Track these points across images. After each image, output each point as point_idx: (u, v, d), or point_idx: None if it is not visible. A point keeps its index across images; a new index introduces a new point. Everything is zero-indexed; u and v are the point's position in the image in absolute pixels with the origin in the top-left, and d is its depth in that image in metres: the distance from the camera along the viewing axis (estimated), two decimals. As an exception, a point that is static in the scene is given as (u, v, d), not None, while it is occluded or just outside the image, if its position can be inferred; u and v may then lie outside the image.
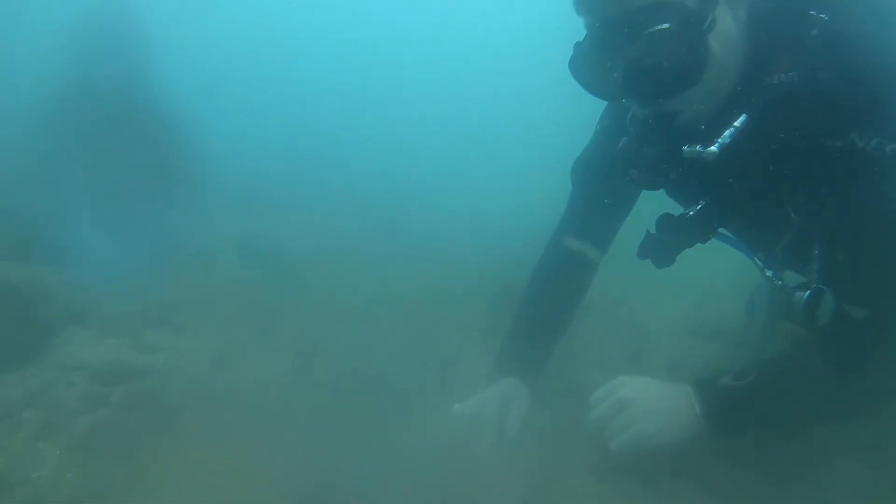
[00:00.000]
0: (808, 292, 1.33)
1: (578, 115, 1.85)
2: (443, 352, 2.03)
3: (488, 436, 1.60)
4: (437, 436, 1.57)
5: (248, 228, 2.97)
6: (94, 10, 4.61)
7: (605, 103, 1.75)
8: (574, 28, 1.42)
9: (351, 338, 2.06)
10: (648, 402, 1.46)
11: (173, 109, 4.21)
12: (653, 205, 1.64)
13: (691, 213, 1.38)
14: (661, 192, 1.59)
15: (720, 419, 1.43)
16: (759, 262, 1.53)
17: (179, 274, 2.56)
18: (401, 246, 2.72)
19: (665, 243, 1.43)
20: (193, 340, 2.20)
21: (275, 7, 9.66)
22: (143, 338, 2.22)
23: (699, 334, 2.38)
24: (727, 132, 1.28)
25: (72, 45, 4.21)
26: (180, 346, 2.18)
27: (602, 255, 1.93)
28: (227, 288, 2.48)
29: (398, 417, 1.65)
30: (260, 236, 2.87)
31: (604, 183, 1.77)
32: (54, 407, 1.81)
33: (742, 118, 1.28)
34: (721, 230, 1.46)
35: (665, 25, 1.22)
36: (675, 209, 1.58)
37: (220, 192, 3.39)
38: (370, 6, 10.53)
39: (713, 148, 1.26)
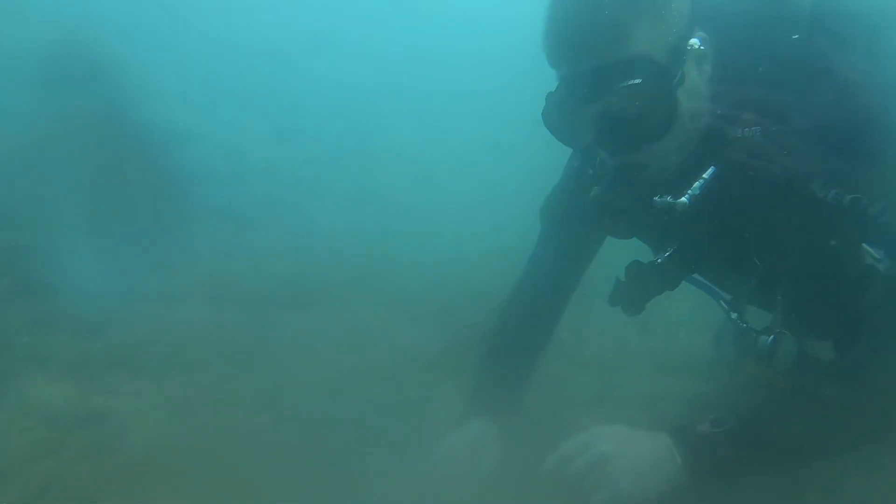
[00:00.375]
0: (772, 337, 1.36)
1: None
2: (412, 393, 2.01)
3: (460, 480, 1.57)
4: (408, 481, 1.54)
5: (218, 267, 2.92)
6: (66, 37, 4.56)
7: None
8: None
9: (320, 381, 2.02)
10: (627, 456, 1.41)
11: (156, 138, 4.15)
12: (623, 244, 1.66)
13: (659, 260, 1.40)
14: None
15: (702, 468, 1.39)
16: (725, 305, 1.56)
17: (144, 314, 2.49)
18: (371, 285, 2.69)
19: (634, 291, 1.44)
20: (156, 384, 2.12)
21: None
22: (103, 381, 2.13)
23: (667, 369, 2.40)
24: (697, 184, 1.32)
25: (45, 73, 4.14)
26: (142, 389, 2.10)
27: (571, 293, 1.95)
28: (194, 330, 2.41)
29: (371, 463, 1.61)
30: (229, 275, 2.81)
31: (573, 224, 1.80)
32: (5, 454, 1.73)
33: (710, 170, 1.33)
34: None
35: (637, 80, 1.26)
36: (644, 250, 1.61)
37: (191, 226, 3.30)
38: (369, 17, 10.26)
39: (683, 199, 1.31)
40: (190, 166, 3.99)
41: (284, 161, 4.39)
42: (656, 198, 1.33)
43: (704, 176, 1.32)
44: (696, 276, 1.58)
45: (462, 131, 5.40)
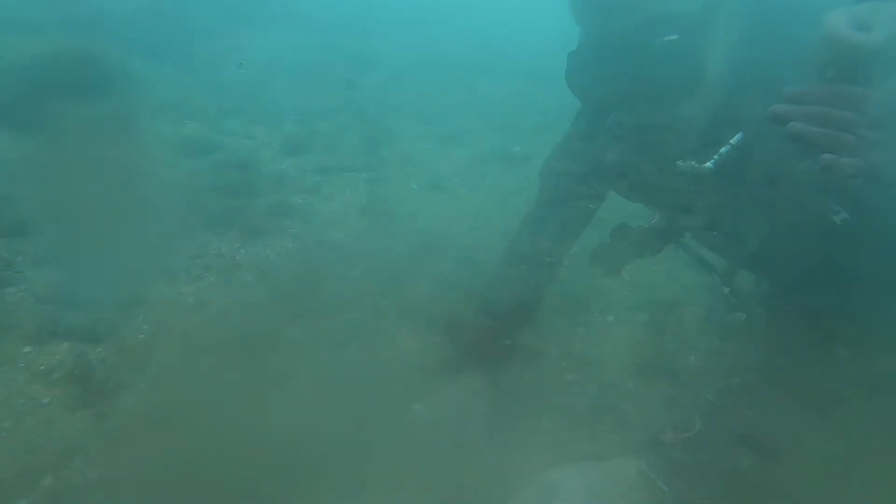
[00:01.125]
0: (745, 315, 1.34)
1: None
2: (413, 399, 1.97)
3: (450, 439, 1.53)
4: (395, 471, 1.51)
5: (225, 275, 2.85)
6: (77, 47, 4.51)
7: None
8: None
9: (298, 382, 1.99)
10: None
11: (165, 147, 4.09)
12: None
13: (646, 225, 1.38)
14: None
15: (683, 477, 1.29)
16: (718, 279, 1.54)
17: (146, 319, 2.42)
18: (378, 293, 2.67)
19: (615, 252, 1.42)
20: (147, 386, 2.06)
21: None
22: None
23: (653, 368, 2.39)
24: (723, 149, 1.28)
25: (55, 83, 4.09)
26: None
27: (566, 254, 1.90)
28: (190, 334, 2.36)
29: (356, 465, 1.59)
30: (236, 284, 2.77)
31: (575, 185, 1.75)
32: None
33: (737, 136, 1.29)
34: (684, 239, 1.45)
35: (674, 36, 1.22)
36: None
37: (200, 235, 3.24)
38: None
39: (709, 164, 1.27)
40: (200, 176, 3.97)
41: (294, 170, 4.37)
42: (680, 161, 1.29)
43: (731, 142, 1.28)
44: (691, 243, 1.55)
45: (473, 138, 5.41)
